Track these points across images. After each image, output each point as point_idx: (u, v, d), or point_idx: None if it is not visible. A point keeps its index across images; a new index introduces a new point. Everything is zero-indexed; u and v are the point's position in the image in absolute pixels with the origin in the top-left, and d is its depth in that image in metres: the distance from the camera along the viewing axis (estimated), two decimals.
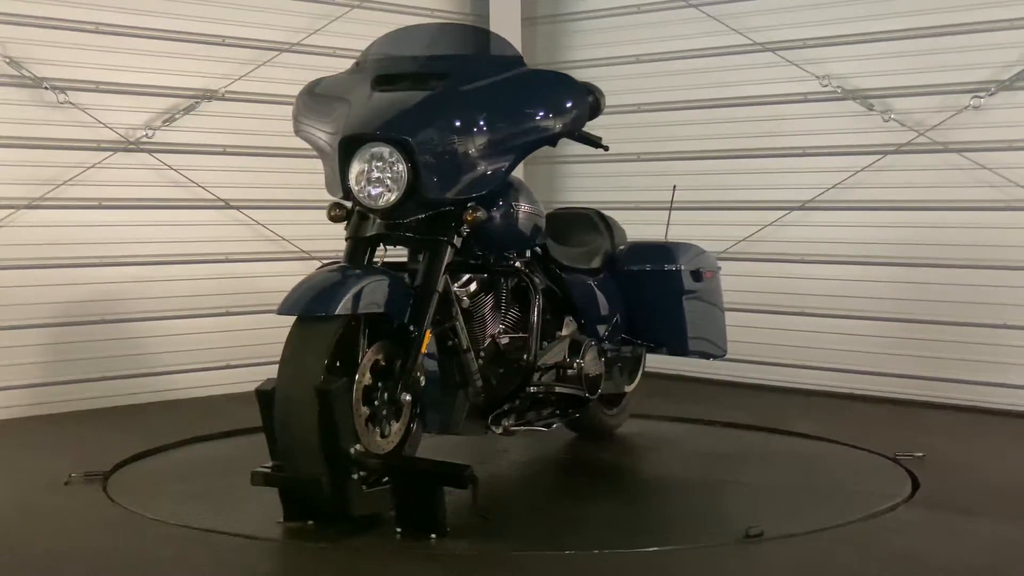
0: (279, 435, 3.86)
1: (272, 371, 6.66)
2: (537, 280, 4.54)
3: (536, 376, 4.49)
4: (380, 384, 3.93)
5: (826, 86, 6.56)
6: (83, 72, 6.11)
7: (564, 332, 4.84)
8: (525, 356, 4.41)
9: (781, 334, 6.79)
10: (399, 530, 3.88)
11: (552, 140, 4.34)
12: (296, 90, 4.53)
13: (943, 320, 6.21)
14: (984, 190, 6.08)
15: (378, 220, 4.16)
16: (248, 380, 6.61)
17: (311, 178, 6.87)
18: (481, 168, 4.11)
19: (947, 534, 3.99)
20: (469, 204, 4.11)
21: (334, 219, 4.26)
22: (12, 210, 5.92)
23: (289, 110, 4.53)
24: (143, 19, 6.29)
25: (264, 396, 3.92)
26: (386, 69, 4.27)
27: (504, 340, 4.48)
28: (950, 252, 6.20)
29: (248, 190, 6.69)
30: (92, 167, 6.13)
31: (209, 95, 6.51)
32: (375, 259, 4.24)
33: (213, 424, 5.60)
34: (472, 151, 4.09)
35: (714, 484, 4.69)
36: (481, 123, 4.10)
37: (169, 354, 6.41)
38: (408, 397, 3.98)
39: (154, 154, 6.35)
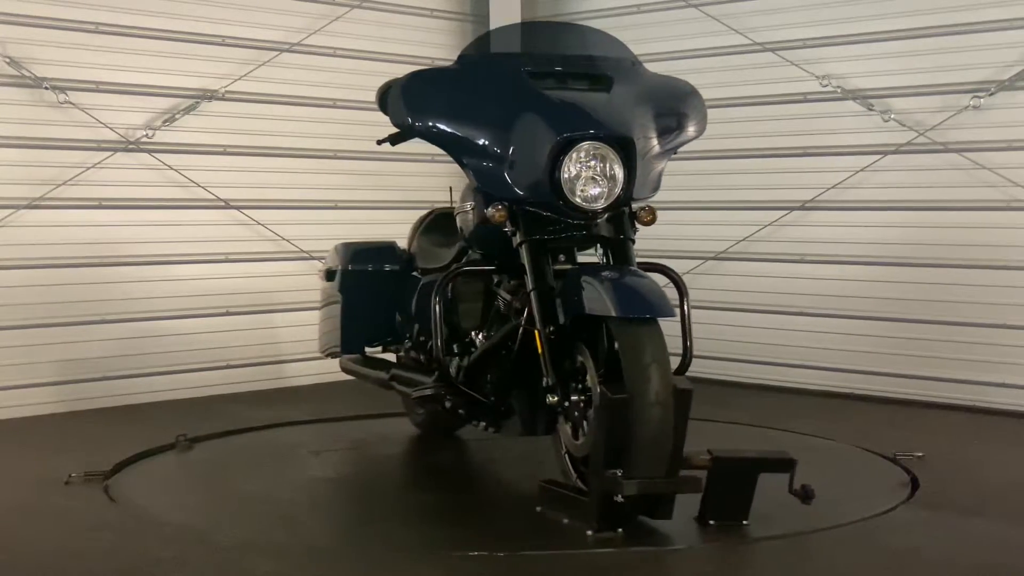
0: (640, 440, 3.67)
1: (271, 371, 6.74)
2: None
3: None
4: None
5: (826, 86, 6.55)
6: (83, 72, 6.11)
7: None
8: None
9: (781, 334, 6.78)
10: (712, 521, 3.91)
11: (684, 143, 4.45)
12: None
13: (943, 320, 6.21)
14: (984, 190, 6.07)
15: (563, 222, 4.05)
16: (248, 380, 6.64)
17: (311, 178, 6.92)
18: (661, 169, 4.26)
19: (947, 534, 3.98)
20: (643, 205, 4.15)
21: (499, 220, 4.06)
22: (12, 210, 5.92)
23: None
24: (143, 19, 6.30)
25: (620, 403, 3.67)
26: (546, 67, 4.20)
27: None
28: (950, 252, 6.19)
29: (248, 190, 6.69)
30: (92, 167, 6.13)
31: (209, 95, 6.51)
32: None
33: (213, 424, 5.60)
34: (657, 153, 4.22)
35: None
36: (663, 125, 4.25)
37: (169, 354, 6.41)
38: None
39: (154, 154, 6.35)
